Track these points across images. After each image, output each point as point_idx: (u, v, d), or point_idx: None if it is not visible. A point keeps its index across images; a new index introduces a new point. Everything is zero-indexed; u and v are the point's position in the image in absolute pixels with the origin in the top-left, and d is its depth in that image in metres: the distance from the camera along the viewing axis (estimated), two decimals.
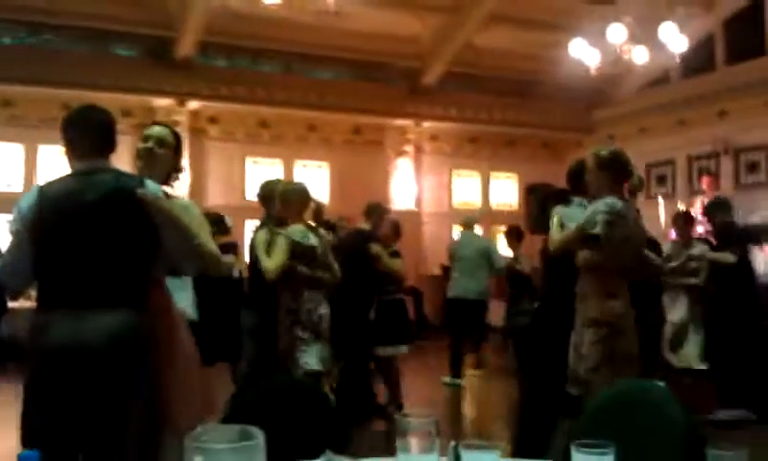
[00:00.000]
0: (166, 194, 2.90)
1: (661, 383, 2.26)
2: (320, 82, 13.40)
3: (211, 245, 2.95)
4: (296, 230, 5.06)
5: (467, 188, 15.54)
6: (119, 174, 2.87)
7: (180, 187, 12.36)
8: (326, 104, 13.25)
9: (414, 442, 1.56)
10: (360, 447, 2.20)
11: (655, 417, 2.11)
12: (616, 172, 4.36)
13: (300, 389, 2.49)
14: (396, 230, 7.57)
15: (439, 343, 9.07)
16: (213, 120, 13.27)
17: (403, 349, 7.13)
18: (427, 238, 13.92)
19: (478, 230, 10.31)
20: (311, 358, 4.98)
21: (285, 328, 5.08)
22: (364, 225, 7.00)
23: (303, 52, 13.13)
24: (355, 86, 13.57)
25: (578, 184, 4.73)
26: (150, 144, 3.27)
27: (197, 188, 12.60)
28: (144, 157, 3.25)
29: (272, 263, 4.95)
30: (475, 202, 15.48)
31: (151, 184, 2.85)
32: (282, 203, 5.20)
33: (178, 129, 13.31)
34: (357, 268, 6.63)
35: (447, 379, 8.73)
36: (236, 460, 1.23)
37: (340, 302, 6.71)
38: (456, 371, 8.77)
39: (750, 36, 12.83)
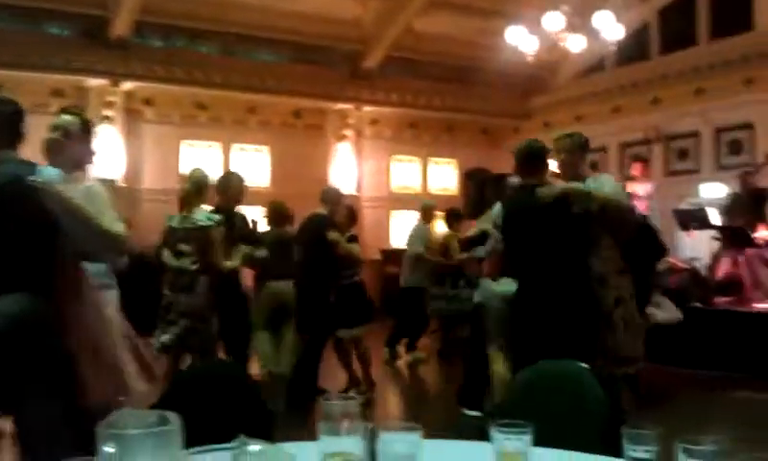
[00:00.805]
0: (65, 179, 2.91)
1: (583, 364, 2.31)
2: (259, 64, 13.25)
3: (114, 225, 2.97)
4: (177, 214, 5.59)
5: (406, 173, 15.60)
6: (18, 163, 2.91)
7: (116, 170, 12.15)
8: (266, 86, 13.12)
9: (337, 424, 1.57)
10: (290, 430, 2.19)
11: (574, 397, 2.16)
12: (587, 152, 4.64)
13: (225, 375, 2.49)
14: (352, 216, 7.65)
15: (377, 327, 9.09)
16: (148, 102, 12.98)
17: (364, 330, 7.29)
18: (367, 223, 13.92)
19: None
20: (163, 337, 5.35)
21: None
22: (320, 210, 7.00)
23: (242, 33, 12.94)
24: (295, 69, 13.44)
25: (536, 167, 4.45)
26: (56, 135, 3.32)
27: (132, 172, 12.40)
28: (51, 147, 3.29)
29: None
30: (414, 186, 15.55)
31: (45, 171, 2.89)
32: None
33: (111, 110, 12.87)
34: (315, 253, 6.71)
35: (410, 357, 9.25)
36: (151, 445, 1.22)
37: (300, 286, 6.76)
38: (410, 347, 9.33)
39: (683, 25, 13.18)
